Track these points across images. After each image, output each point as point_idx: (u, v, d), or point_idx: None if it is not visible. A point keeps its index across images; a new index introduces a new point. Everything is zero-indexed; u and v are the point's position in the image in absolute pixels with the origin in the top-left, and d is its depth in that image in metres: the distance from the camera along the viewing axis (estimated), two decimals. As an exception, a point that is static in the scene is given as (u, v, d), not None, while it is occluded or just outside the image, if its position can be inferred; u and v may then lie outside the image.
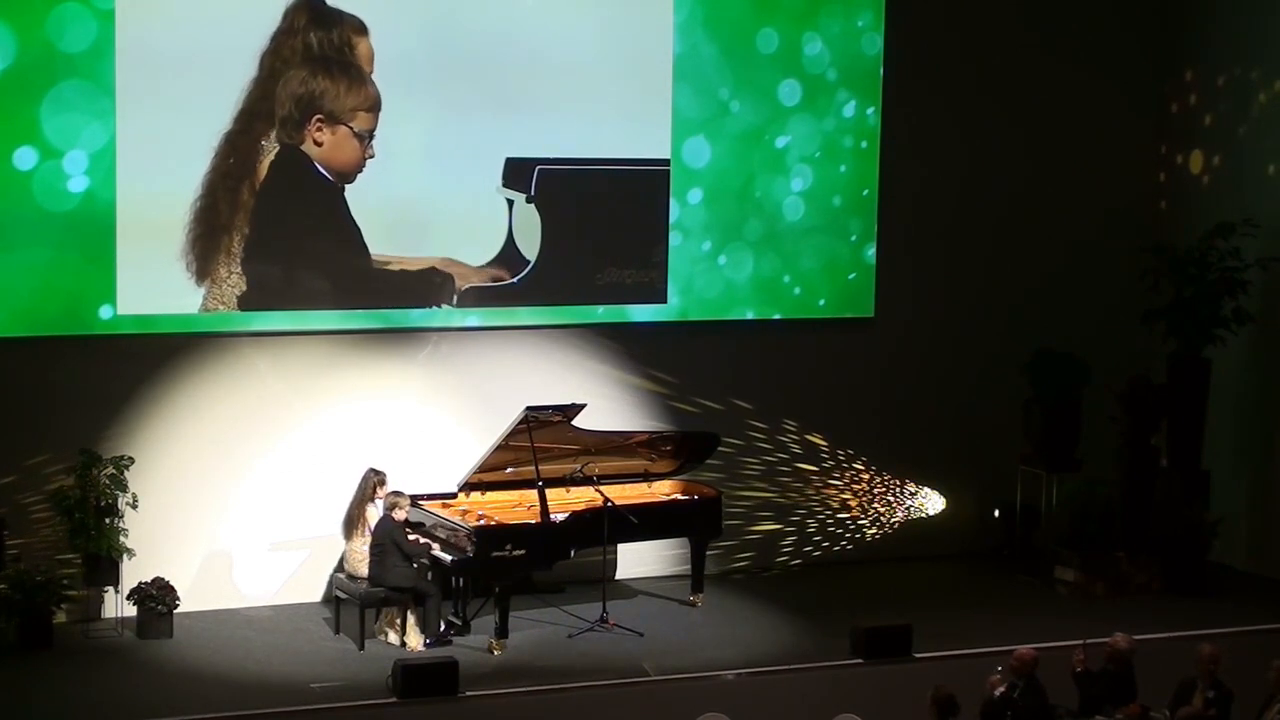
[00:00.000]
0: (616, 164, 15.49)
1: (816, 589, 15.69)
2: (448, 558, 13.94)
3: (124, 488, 13.83)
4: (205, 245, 14.29)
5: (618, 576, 15.57)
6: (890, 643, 13.56)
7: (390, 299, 14.90)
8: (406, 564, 13.79)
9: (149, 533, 14.03)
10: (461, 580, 14.21)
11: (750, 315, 16.07)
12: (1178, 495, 15.91)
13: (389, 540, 13.75)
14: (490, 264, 15.18)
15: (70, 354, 14.07)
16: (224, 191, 14.30)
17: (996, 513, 16.72)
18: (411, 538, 13.95)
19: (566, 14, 15.18)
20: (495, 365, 15.29)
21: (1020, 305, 16.82)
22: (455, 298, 15.09)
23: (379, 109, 14.66)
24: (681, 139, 15.64)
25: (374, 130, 14.66)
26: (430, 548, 14.04)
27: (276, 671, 13.21)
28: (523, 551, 13.83)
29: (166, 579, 13.94)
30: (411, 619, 13.82)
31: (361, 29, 14.58)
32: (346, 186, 14.69)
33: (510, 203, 15.20)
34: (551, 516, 14.02)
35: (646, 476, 15.20)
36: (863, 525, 16.70)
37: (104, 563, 13.78)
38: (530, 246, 15.26)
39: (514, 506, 14.60)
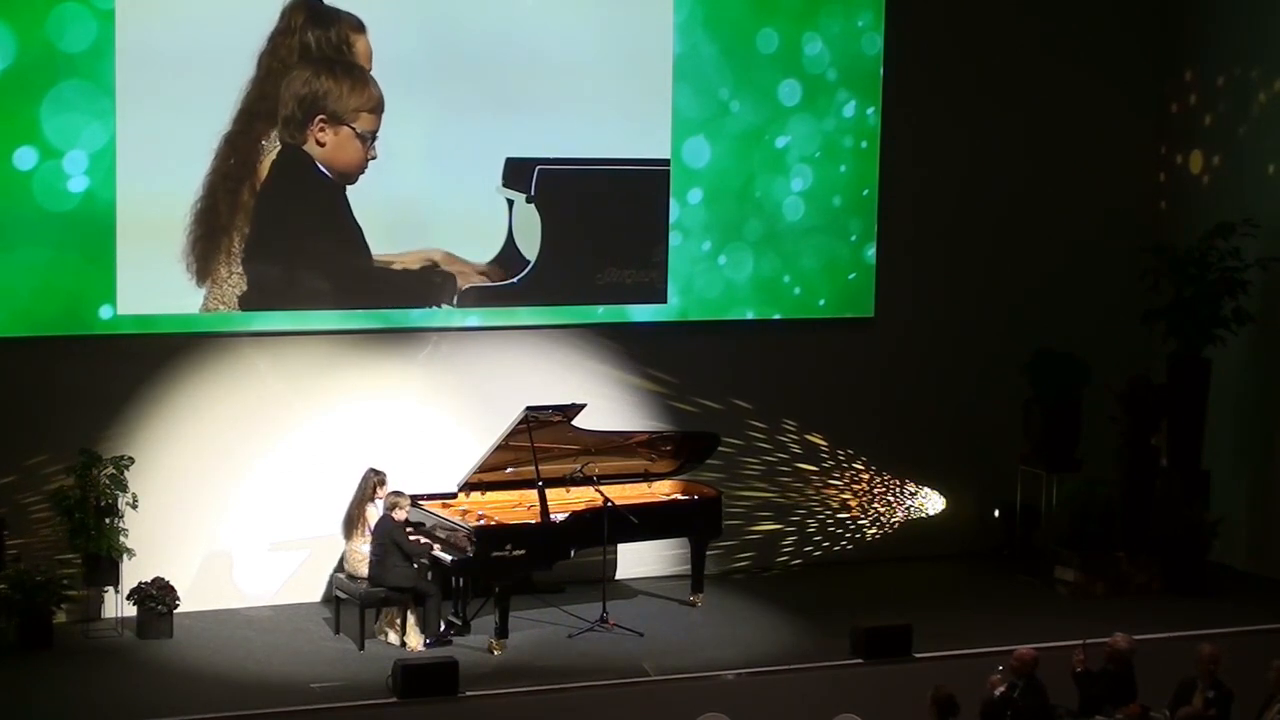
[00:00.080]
0: (616, 164, 15.49)
1: (816, 589, 15.69)
2: (448, 558, 13.94)
3: (124, 488, 13.83)
4: (206, 246, 14.29)
5: (618, 576, 15.57)
6: (890, 643, 13.56)
7: (390, 299, 14.91)
8: (406, 564, 13.79)
9: (149, 533, 14.03)
10: (461, 580, 14.21)
11: (750, 315, 16.07)
12: (1178, 495, 15.91)
13: (389, 540, 13.75)
14: (490, 264, 15.18)
15: (70, 354, 14.07)
16: (224, 193, 14.30)
17: (996, 513, 16.72)
18: (412, 538, 13.95)
19: (566, 14, 15.18)
20: (495, 365, 15.29)
21: (1020, 305, 16.82)
22: (455, 298, 15.09)
23: (382, 110, 14.66)
24: (681, 139, 15.64)
25: (376, 131, 14.66)
26: (430, 548, 14.04)
27: (276, 671, 13.21)
28: (523, 551, 13.83)
29: (166, 579, 13.95)
30: (411, 619, 13.82)
31: (359, 27, 14.58)
32: (347, 186, 14.69)
33: (510, 203, 15.20)
34: (551, 516, 14.02)
35: (646, 476, 15.20)
36: (863, 525, 16.70)
37: (104, 563, 13.78)
38: (530, 246, 15.26)
39: (514, 506, 14.60)
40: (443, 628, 13.86)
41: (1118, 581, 15.64)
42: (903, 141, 16.34)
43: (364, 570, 13.87)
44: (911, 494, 16.79)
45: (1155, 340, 16.49)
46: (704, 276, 15.87)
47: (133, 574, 13.93)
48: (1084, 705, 11.69)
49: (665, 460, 15.22)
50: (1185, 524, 15.74)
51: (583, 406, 14.50)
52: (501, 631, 13.70)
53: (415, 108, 14.78)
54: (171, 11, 14.02)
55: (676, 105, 15.58)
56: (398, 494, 13.93)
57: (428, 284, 15.02)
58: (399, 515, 13.83)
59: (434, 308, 15.07)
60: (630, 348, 15.74)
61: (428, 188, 14.91)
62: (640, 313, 15.73)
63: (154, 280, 14.17)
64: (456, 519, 14.20)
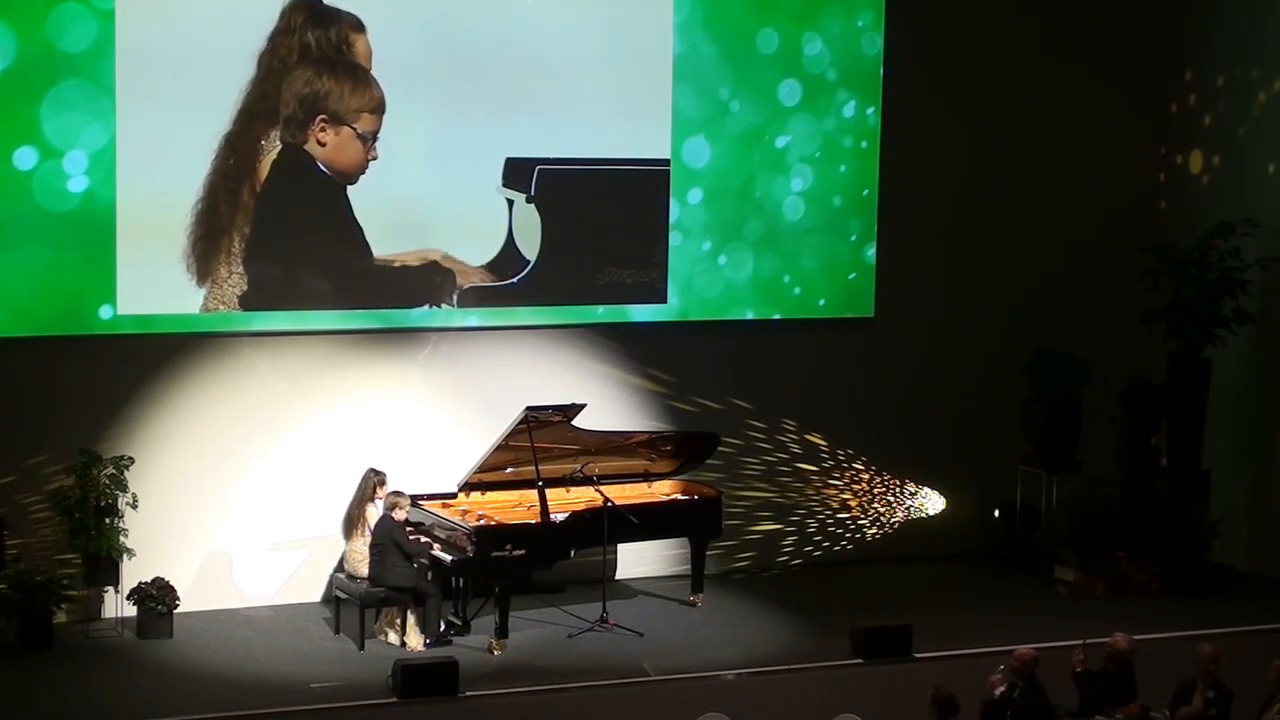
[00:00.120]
0: (616, 164, 15.49)
1: (816, 589, 15.69)
2: (448, 558, 13.94)
3: (124, 488, 13.83)
4: (206, 247, 14.29)
5: (618, 576, 15.57)
6: (890, 643, 13.55)
7: (390, 299, 14.91)
8: (406, 564, 13.79)
9: (149, 533, 14.03)
10: (461, 580, 14.21)
11: (750, 315, 16.07)
12: (1178, 495, 15.91)
13: (389, 540, 13.75)
14: (490, 264, 15.18)
15: (70, 354, 14.07)
16: (224, 193, 14.30)
17: (996, 513, 16.72)
18: (411, 537, 13.95)
19: (566, 14, 15.18)
20: (495, 365, 15.29)
21: (1020, 305, 16.82)
22: (455, 298, 15.09)
23: (383, 111, 14.66)
24: (681, 139, 15.64)
25: (377, 132, 14.66)
26: (430, 547, 14.04)
27: (276, 671, 13.21)
28: (523, 551, 13.83)
29: (166, 579, 13.95)
30: (411, 619, 13.82)
31: (359, 27, 14.57)
32: (347, 186, 14.69)
33: (510, 203, 15.20)
34: (551, 516, 14.02)
35: (646, 476, 15.20)
36: (863, 525, 16.70)
37: (104, 563, 13.78)
38: (530, 246, 15.26)
39: (514, 506, 14.60)
40: (443, 628, 13.86)
41: (1118, 581, 15.64)
42: (903, 141, 16.34)
43: (364, 570, 13.87)
44: (911, 494, 16.79)
45: (1155, 340, 16.48)
46: (704, 276, 15.87)
47: (133, 574, 13.93)
48: (1084, 705, 11.69)
49: (665, 460, 15.22)
50: (1185, 524, 15.74)
51: (583, 406, 14.51)
52: (501, 631, 13.70)
53: (415, 108, 14.78)
54: (171, 11, 14.02)
55: (676, 105, 15.58)
56: (398, 494, 13.93)
57: (428, 284, 15.02)
58: (399, 515, 13.83)
59: (434, 308, 15.07)
60: (630, 348, 15.74)
61: (428, 188, 14.91)
62: (640, 313, 15.73)
63: (154, 280, 14.17)
64: (456, 519, 14.20)
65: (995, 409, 16.65)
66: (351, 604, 13.85)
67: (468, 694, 12.59)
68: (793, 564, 16.44)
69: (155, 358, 14.36)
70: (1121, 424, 16.03)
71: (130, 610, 13.90)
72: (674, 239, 15.72)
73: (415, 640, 13.76)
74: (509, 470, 14.57)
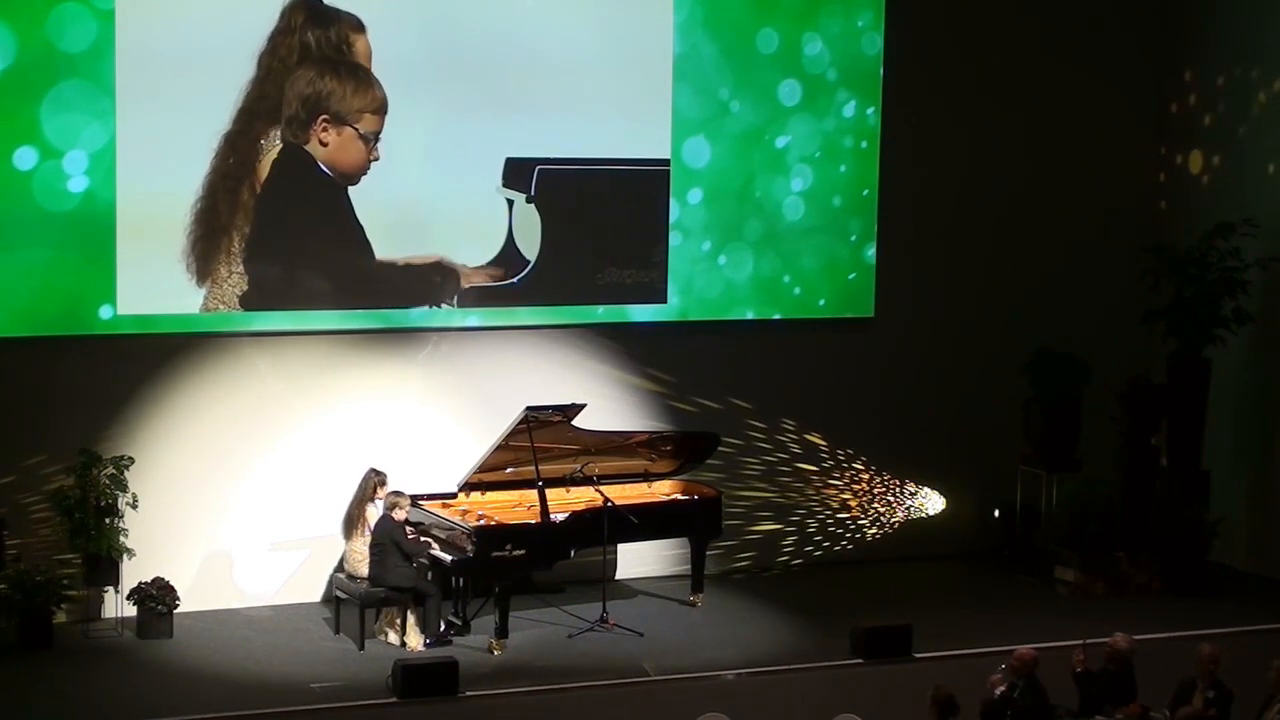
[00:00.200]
0: (616, 164, 15.49)
1: (816, 589, 15.69)
2: (448, 558, 13.94)
3: (124, 488, 13.83)
4: (206, 247, 14.29)
5: (618, 576, 15.57)
6: (890, 643, 13.55)
7: (390, 299, 14.91)
8: (406, 564, 13.79)
9: (149, 533, 14.03)
10: (461, 580, 14.21)
11: (750, 315, 16.07)
12: (1178, 495, 15.91)
13: (389, 540, 13.75)
14: (490, 264, 15.18)
15: (70, 354, 14.07)
16: (224, 192, 14.30)
17: (996, 513, 16.72)
18: (411, 537, 13.95)
19: (566, 14, 15.18)
20: (495, 365, 15.29)
21: (1020, 305, 16.82)
22: (455, 298, 15.09)
23: (385, 111, 14.66)
24: (681, 139, 15.64)
25: (379, 132, 14.66)
26: (430, 547, 14.04)
27: (276, 671, 13.21)
28: (523, 551, 13.83)
29: (166, 579, 13.95)
30: (411, 619, 13.81)
31: (359, 27, 14.58)
32: (349, 187, 14.70)
33: (510, 203, 15.20)
34: (551, 516, 14.02)
35: (646, 476, 15.20)
36: (863, 525, 16.70)
37: (104, 563, 13.78)
38: (530, 246, 15.26)
39: (514, 506, 14.60)
40: (443, 628, 13.86)
41: (1118, 581, 15.64)
42: (903, 141, 16.34)
43: (364, 570, 13.87)
44: (911, 494, 16.79)
45: (1155, 340, 16.49)
46: (704, 276, 15.87)
47: (133, 574, 13.92)
48: (1084, 705, 11.69)
49: (665, 460, 15.22)
50: (1185, 524, 15.74)
51: (583, 406, 14.50)
52: (501, 631, 13.70)
53: (415, 108, 14.78)
54: (171, 11, 14.02)
55: (676, 105, 15.58)
56: (397, 494, 13.93)
57: (428, 284, 15.02)
58: (399, 515, 13.83)
59: (434, 308, 15.07)
60: (630, 348, 15.74)
61: (428, 188, 14.91)
62: (640, 313, 15.73)
63: (154, 280, 14.17)
64: (456, 519, 14.20)
65: (995, 409, 16.65)
66: (351, 604, 13.85)
67: (468, 694, 12.59)
68: (793, 564, 16.44)
69: (155, 358, 14.37)
70: (1121, 424, 16.03)
71: (130, 610, 13.90)
72: (674, 239, 15.72)
73: (415, 640, 13.76)
74: (509, 470, 14.57)
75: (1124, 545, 15.81)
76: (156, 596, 13.84)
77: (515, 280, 15.26)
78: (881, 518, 16.75)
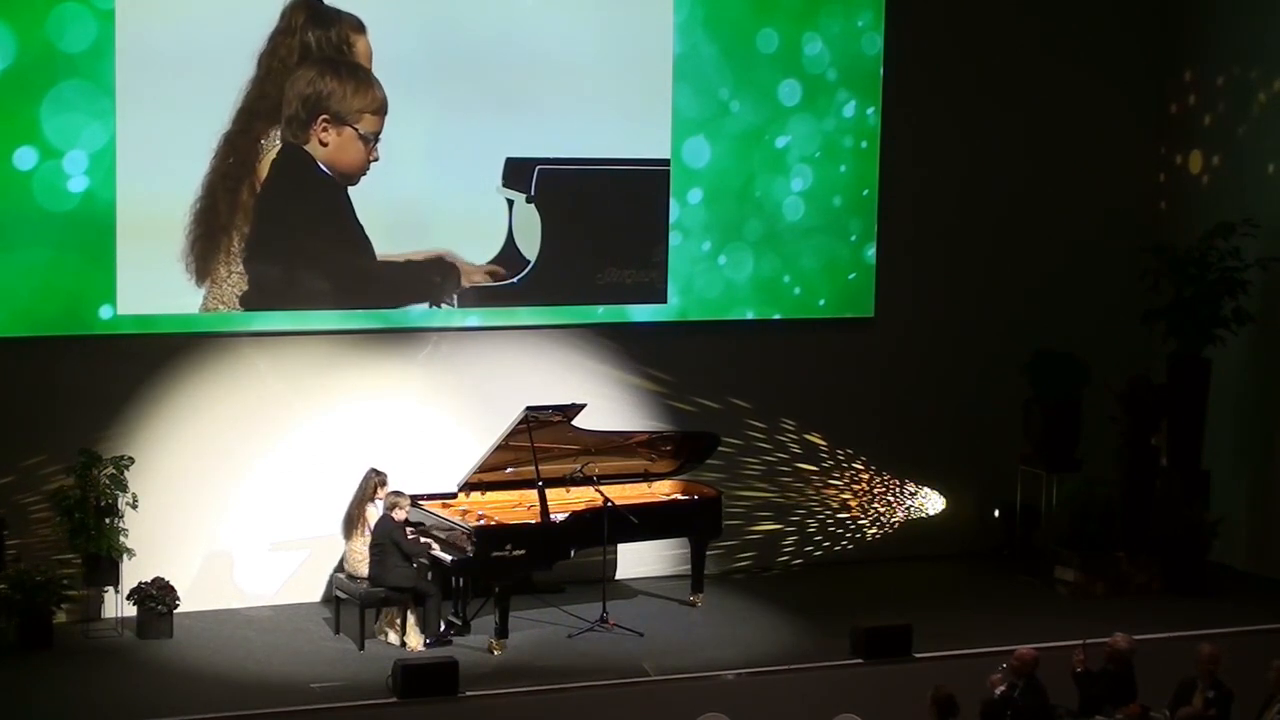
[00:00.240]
0: (616, 164, 15.49)
1: (816, 589, 15.69)
2: (448, 558, 13.94)
3: (124, 488, 13.83)
4: (205, 246, 14.29)
5: (618, 576, 15.57)
6: (890, 643, 13.55)
7: (390, 299, 14.90)
8: (406, 564, 13.79)
9: (149, 533, 14.03)
10: (461, 580, 14.21)
11: (750, 315, 16.07)
12: (1178, 495, 15.91)
13: (389, 540, 13.75)
14: (490, 264, 15.18)
15: (70, 354, 14.07)
16: (223, 192, 14.30)
17: (996, 513, 16.72)
18: (411, 537, 13.95)
19: (566, 14, 15.18)
20: (495, 365, 15.29)
21: (1020, 305, 16.82)
22: (455, 298, 15.09)
23: (385, 112, 14.66)
24: (681, 139, 15.64)
25: (379, 133, 14.66)
26: (430, 547, 14.04)
27: (276, 671, 13.21)
28: (523, 551, 13.83)
29: (166, 579, 13.95)
30: (411, 619, 13.81)
31: (360, 27, 14.58)
32: (348, 187, 14.70)
33: (510, 202, 15.20)
34: (551, 516, 14.02)
35: (646, 476, 15.20)
36: (863, 525, 16.70)
37: (104, 563, 13.78)
38: (530, 246, 15.27)
39: (514, 506, 14.60)
40: (443, 628, 13.86)
41: (1118, 581, 15.64)
42: (903, 141, 16.34)
43: (364, 570, 13.87)
44: (911, 494, 16.79)
45: (1155, 340, 16.49)
46: (704, 276, 15.87)
47: (133, 574, 13.92)
48: (1084, 705, 11.69)
49: (665, 460, 15.22)
50: (1185, 524, 15.74)
51: (583, 406, 14.51)
52: (501, 631, 13.70)
53: (415, 108, 14.78)
54: (171, 11, 14.02)
55: (676, 105, 15.58)
56: (397, 494, 13.93)
57: (428, 284, 15.02)
58: (399, 515, 13.83)
59: (434, 308, 15.07)
60: (630, 348, 15.74)
61: (428, 188, 14.91)
62: (640, 313, 15.73)
63: (154, 280, 14.17)
64: (456, 519, 14.20)
65: (995, 409, 16.65)
66: (351, 604, 13.85)
67: (468, 694, 12.59)
68: (793, 564, 16.44)
69: (155, 358, 14.36)
70: (1121, 424, 16.03)
71: (130, 610, 13.90)
72: (674, 239, 15.72)
73: (415, 640, 13.76)
74: (509, 470, 14.57)
75: (1124, 545, 15.81)
76: (156, 596, 13.84)
77: (515, 280, 15.26)
78: (881, 518, 16.75)
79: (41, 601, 13.58)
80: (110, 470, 13.82)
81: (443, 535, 14.13)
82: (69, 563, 13.92)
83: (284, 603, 14.73)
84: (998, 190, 16.79)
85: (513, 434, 14.17)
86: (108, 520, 13.75)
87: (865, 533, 16.72)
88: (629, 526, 14.37)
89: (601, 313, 15.62)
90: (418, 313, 15.05)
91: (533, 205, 15.23)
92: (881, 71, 16.21)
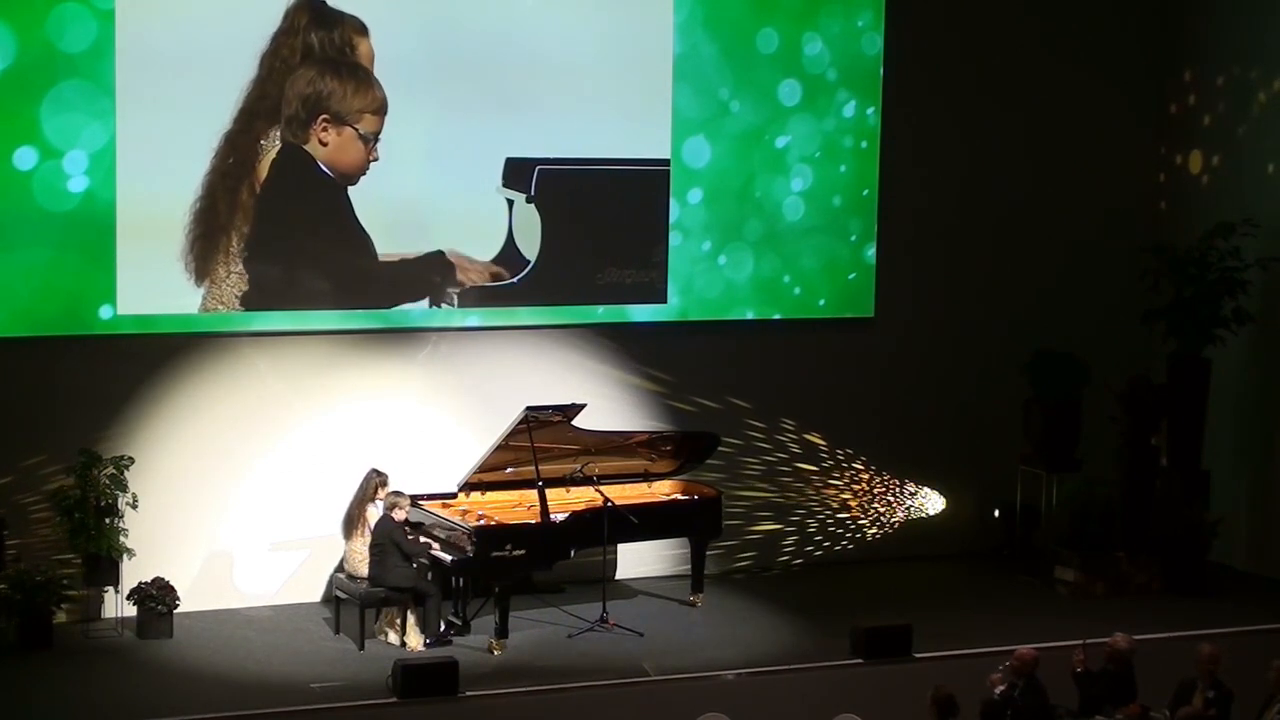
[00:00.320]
0: (616, 164, 15.49)
1: (816, 589, 15.69)
2: (448, 558, 13.94)
3: (124, 488, 13.83)
4: (204, 246, 14.29)
5: (618, 576, 15.57)
6: (890, 643, 13.55)
7: (390, 299, 14.91)
8: (406, 564, 13.79)
9: (149, 533, 14.03)
10: (461, 580, 14.21)
11: (750, 315, 16.07)
12: (1178, 495, 15.91)
13: (389, 540, 13.75)
14: (490, 264, 15.18)
15: (70, 354, 14.07)
16: (223, 191, 14.30)
17: (996, 513, 16.72)
18: (411, 537, 13.95)
19: (566, 14, 15.18)
20: (495, 365, 15.29)
21: (1020, 305, 16.82)
22: (455, 298, 15.09)
23: (385, 112, 14.66)
24: (681, 139, 15.64)
25: (379, 133, 14.66)
26: (430, 547, 14.04)
27: (276, 671, 13.21)
28: (523, 551, 13.83)
29: (166, 579, 13.95)
30: (411, 619, 13.82)
31: (362, 30, 14.58)
32: (348, 187, 14.70)
33: (510, 203, 15.20)
34: (551, 516, 14.02)
35: (646, 476, 15.20)
36: (863, 525, 16.70)
37: (104, 563, 13.78)
38: (530, 246, 15.27)
39: (514, 506, 14.60)
40: (443, 628, 13.86)
41: (1118, 581, 15.64)
42: (903, 141, 16.34)
43: (364, 570, 13.87)
44: (911, 494, 16.79)
45: (1155, 340, 16.49)
46: (704, 276, 15.87)
47: (133, 574, 13.92)
48: (1084, 705, 11.69)
49: (665, 460, 15.22)
50: (1185, 524, 15.74)
51: (583, 406, 14.51)
52: (501, 631, 13.70)
53: (415, 108, 14.78)
54: (171, 11, 14.02)
55: (676, 105, 15.58)
56: (397, 494, 13.93)
57: (428, 284, 15.02)
58: (398, 515, 13.83)
59: (434, 308, 15.07)
60: (630, 348, 15.74)
61: (428, 188, 14.91)
62: (640, 313, 15.73)
63: (154, 280, 14.17)
64: (456, 519, 14.20)
65: (995, 409, 16.65)
66: (351, 604, 13.85)
67: (468, 694, 12.59)
68: (793, 564, 16.44)
69: (155, 358, 14.36)
70: (1121, 424, 16.03)
71: (130, 610, 13.90)
72: (674, 239, 15.72)
73: (415, 640, 13.76)
74: (509, 470, 14.57)
75: (1124, 545, 15.81)
76: (156, 596, 13.84)
77: (515, 280, 15.26)
78: (881, 518, 16.75)
79: (41, 601, 13.58)
80: (110, 470, 13.82)
81: (443, 535, 14.13)
82: (69, 563, 13.92)
83: (284, 603, 14.73)
84: (998, 190, 16.79)
85: (513, 434, 14.17)
86: (108, 520, 13.75)
87: (865, 533, 16.72)
88: (629, 526, 14.36)
89: (601, 313, 15.62)
90: (418, 313, 15.05)
91: (533, 205, 15.23)
92: (881, 71, 16.22)
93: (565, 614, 14.46)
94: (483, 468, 14.42)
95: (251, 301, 14.47)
